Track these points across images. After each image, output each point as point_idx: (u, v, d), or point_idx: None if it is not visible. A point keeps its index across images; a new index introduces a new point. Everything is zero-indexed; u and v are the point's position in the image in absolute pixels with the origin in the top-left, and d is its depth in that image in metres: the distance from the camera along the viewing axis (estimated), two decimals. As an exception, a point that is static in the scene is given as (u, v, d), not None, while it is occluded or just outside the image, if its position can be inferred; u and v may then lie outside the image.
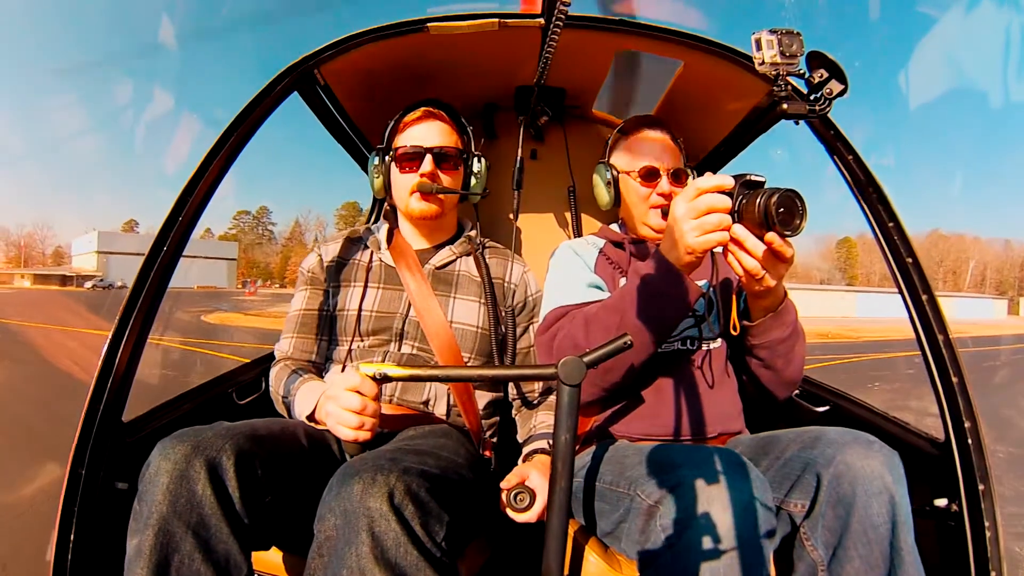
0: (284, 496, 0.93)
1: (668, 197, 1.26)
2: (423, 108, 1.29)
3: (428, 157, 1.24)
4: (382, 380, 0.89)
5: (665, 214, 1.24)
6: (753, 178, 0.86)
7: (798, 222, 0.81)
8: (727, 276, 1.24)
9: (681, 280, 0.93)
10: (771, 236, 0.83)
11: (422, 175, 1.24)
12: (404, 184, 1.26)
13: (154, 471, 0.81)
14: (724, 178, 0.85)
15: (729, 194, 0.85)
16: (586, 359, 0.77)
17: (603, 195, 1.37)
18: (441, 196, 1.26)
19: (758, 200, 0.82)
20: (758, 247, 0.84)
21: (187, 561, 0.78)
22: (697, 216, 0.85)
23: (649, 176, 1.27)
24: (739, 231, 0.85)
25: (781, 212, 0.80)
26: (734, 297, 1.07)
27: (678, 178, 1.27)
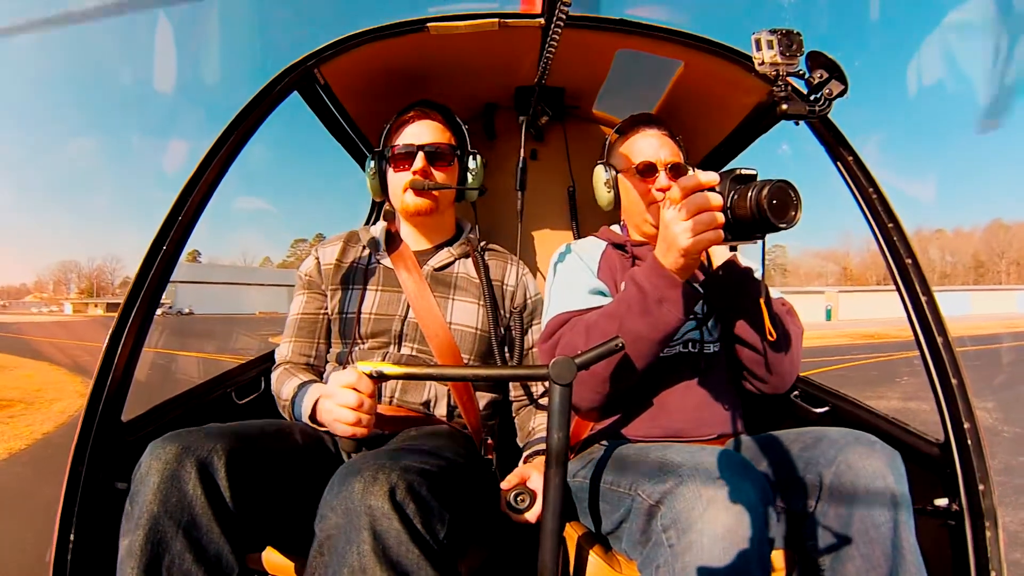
0: (278, 496, 0.93)
1: (667, 190, 1.25)
2: (415, 109, 1.31)
3: (420, 154, 1.26)
4: (379, 378, 0.90)
5: None
6: (744, 172, 0.83)
7: (792, 213, 0.79)
8: None
9: (678, 285, 0.92)
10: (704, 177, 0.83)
11: (414, 172, 1.25)
12: (398, 182, 1.28)
13: (144, 471, 0.81)
14: (710, 174, 0.83)
15: (720, 190, 0.83)
16: (577, 360, 0.78)
17: (603, 196, 1.36)
18: (435, 192, 1.27)
19: (749, 194, 0.79)
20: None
21: (177, 561, 0.78)
22: (688, 217, 0.83)
23: (646, 172, 1.25)
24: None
25: (774, 204, 0.78)
26: (762, 303, 1.01)
27: (677, 173, 1.25)
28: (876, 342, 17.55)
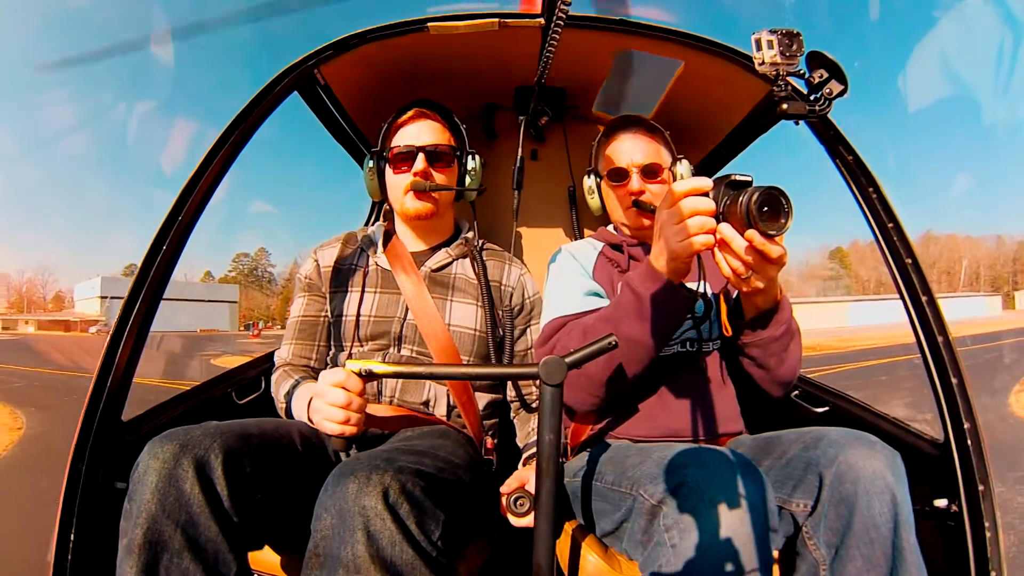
0: (276, 495, 0.93)
1: (641, 192, 1.25)
2: (415, 109, 1.31)
3: (420, 156, 1.25)
4: (368, 376, 0.90)
5: (636, 207, 1.24)
6: (738, 178, 0.84)
7: (783, 221, 0.79)
8: (724, 278, 1.24)
9: (671, 288, 0.93)
10: (751, 234, 0.80)
11: (415, 174, 1.25)
12: (398, 184, 1.27)
13: (143, 470, 0.81)
14: (701, 180, 0.84)
15: (714, 196, 0.84)
16: (568, 359, 0.78)
17: (590, 201, 1.40)
18: (435, 194, 1.27)
19: (741, 199, 0.79)
20: (742, 247, 0.82)
21: (176, 560, 0.78)
22: (679, 220, 0.84)
23: (618, 177, 1.28)
24: (725, 231, 0.82)
25: (765, 211, 0.78)
26: (722, 298, 1.06)
27: (652, 174, 1.26)
28: (817, 354, 16.98)
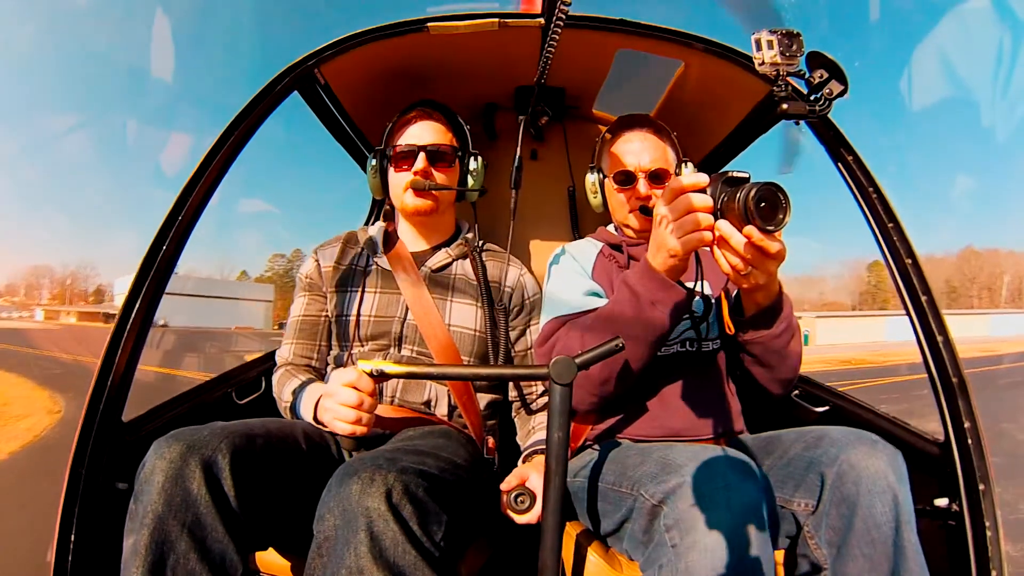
0: (281, 495, 0.93)
1: (648, 199, 1.25)
2: (417, 108, 1.32)
3: (421, 155, 1.26)
4: (379, 376, 0.90)
5: (644, 213, 1.24)
6: (736, 174, 0.84)
7: (781, 216, 0.78)
8: (723, 276, 1.24)
9: (668, 285, 0.93)
10: (749, 230, 0.79)
11: (416, 172, 1.25)
12: (399, 182, 1.28)
13: (149, 470, 0.81)
14: (699, 176, 0.84)
15: (712, 193, 0.84)
16: (578, 360, 0.78)
17: (592, 199, 1.39)
18: (436, 193, 1.27)
19: (738, 195, 0.79)
20: (740, 243, 0.81)
21: (182, 560, 0.78)
22: (677, 217, 0.84)
23: (625, 181, 1.27)
24: (724, 227, 0.82)
25: (763, 207, 0.78)
26: (723, 296, 1.06)
27: (658, 179, 1.26)
28: (853, 367, 16.91)
